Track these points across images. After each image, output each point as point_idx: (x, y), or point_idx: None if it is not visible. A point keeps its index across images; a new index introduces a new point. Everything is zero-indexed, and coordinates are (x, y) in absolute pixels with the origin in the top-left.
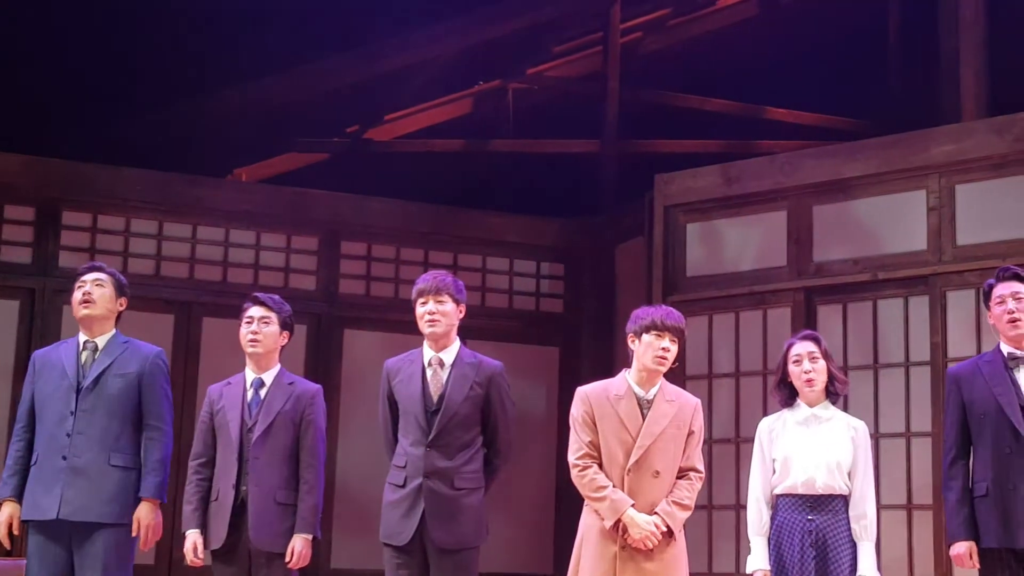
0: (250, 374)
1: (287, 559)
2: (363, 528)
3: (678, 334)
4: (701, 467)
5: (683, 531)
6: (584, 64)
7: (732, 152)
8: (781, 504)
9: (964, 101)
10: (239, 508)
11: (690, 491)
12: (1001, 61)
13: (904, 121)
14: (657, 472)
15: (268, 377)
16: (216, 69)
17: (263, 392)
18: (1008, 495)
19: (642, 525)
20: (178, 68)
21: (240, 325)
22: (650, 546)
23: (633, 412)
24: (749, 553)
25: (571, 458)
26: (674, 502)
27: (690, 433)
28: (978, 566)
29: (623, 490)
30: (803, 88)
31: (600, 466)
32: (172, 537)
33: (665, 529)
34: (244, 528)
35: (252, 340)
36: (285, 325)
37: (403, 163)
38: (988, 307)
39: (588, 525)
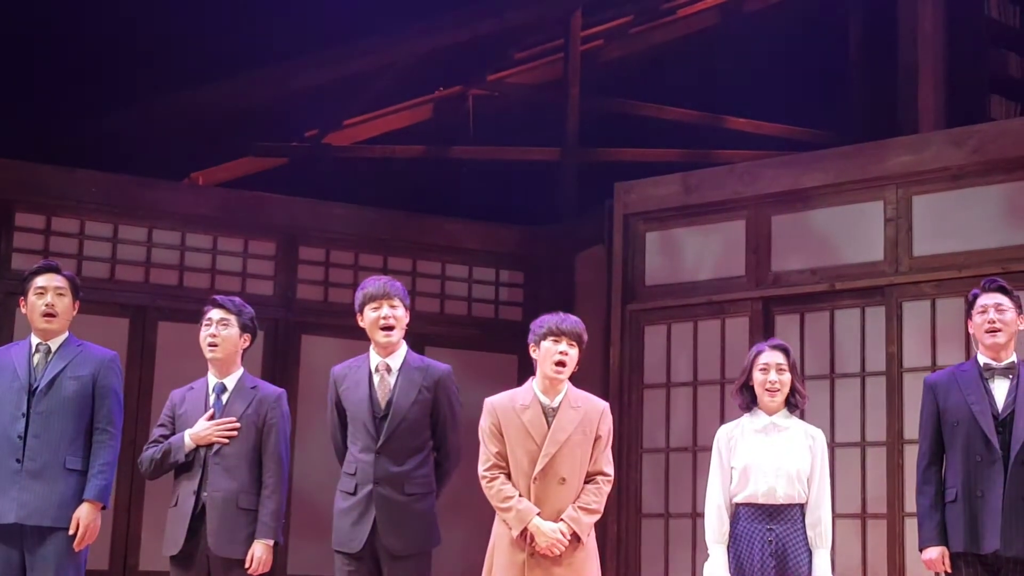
0: (212, 379)
1: (247, 565)
2: (319, 534)
3: (576, 339)
4: (610, 470)
5: (593, 535)
6: (545, 71)
7: (692, 161)
8: (741, 513)
9: (922, 113)
10: (199, 514)
11: (597, 495)
12: (959, 74)
13: (863, 132)
14: (563, 479)
15: (230, 382)
16: (173, 71)
17: (225, 397)
18: (976, 502)
19: (548, 533)
20: (134, 69)
21: (200, 329)
22: (557, 553)
23: (538, 420)
24: (706, 560)
25: (480, 469)
26: (580, 507)
27: (597, 438)
28: (949, 571)
29: (530, 498)
30: (763, 98)
31: (509, 476)
32: (127, 543)
33: (571, 535)
34: (203, 534)
35: (211, 344)
36: (245, 328)
37: (362, 168)
38: (970, 316)
39: (498, 534)
